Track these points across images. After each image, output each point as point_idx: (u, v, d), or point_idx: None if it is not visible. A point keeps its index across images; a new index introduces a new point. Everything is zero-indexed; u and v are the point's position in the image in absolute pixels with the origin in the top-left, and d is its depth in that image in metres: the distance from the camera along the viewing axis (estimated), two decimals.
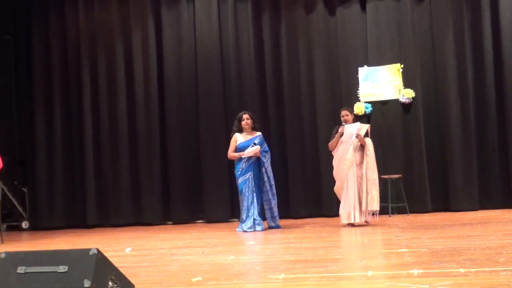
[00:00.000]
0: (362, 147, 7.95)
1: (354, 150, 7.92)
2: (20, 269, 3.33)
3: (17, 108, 10.96)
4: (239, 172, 8.11)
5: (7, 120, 10.89)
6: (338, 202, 9.69)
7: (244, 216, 8.04)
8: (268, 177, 8.08)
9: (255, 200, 8.03)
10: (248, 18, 10.14)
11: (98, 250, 3.34)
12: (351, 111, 8.31)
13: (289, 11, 10.11)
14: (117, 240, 7.94)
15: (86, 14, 10.50)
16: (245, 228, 7.96)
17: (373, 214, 7.94)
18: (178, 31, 10.37)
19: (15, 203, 10.38)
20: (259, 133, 8.29)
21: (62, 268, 3.28)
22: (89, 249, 3.34)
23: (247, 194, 8.03)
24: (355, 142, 7.90)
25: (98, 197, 10.25)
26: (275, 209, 8.18)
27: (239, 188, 8.13)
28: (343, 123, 8.07)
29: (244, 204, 8.04)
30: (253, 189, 8.04)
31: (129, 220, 10.13)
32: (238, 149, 8.14)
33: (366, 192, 7.82)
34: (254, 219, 7.98)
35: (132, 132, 10.29)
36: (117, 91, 10.36)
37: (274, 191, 8.16)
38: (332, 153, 8.18)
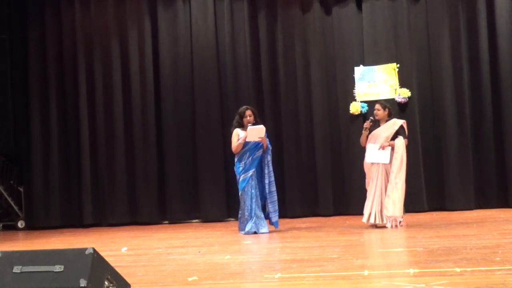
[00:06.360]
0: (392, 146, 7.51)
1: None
2: (16, 269, 3.32)
3: (13, 107, 10.93)
4: (241, 168, 7.58)
5: (2, 119, 10.86)
6: (334, 202, 9.77)
7: (246, 216, 7.53)
8: (269, 171, 7.59)
9: (258, 199, 7.54)
10: (244, 17, 10.14)
11: (94, 250, 3.34)
12: (384, 106, 7.73)
13: (285, 10, 10.11)
14: (113, 240, 7.94)
15: (82, 13, 10.45)
16: (248, 229, 7.47)
17: (394, 220, 7.39)
18: (174, 30, 10.35)
19: (11, 202, 10.37)
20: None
21: (58, 268, 3.28)
22: (85, 249, 3.34)
23: (249, 192, 7.51)
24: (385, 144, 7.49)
25: (94, 197, 10.22)
26: (276, 203, 7.67)
27: (241, 186, 7.56)
28: (372, 117, 7.72)
29: (247, 203, 7.50)
30: (256, 186, 7.56)
31: (125, 219, 10.11)
32: (244, 146, 7.56)
33: (386, 196, 7.38)
34: (256, 220, 7.50)
35: (128, 131, 10.27)
36: (113, 90, 10.33)
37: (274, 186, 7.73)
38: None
